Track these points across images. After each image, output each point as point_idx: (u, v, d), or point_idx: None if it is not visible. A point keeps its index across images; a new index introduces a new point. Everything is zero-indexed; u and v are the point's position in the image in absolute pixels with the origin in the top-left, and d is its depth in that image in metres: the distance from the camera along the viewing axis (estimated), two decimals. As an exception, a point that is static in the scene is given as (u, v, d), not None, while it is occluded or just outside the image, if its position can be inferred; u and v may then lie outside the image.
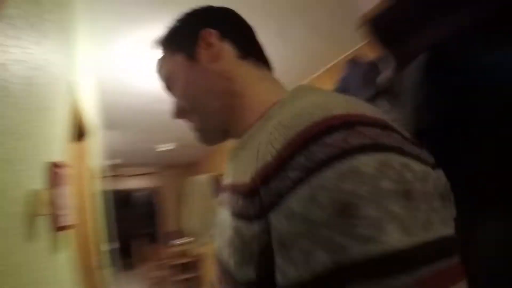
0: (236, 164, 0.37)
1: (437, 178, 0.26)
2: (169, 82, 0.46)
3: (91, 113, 1.92)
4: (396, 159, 0.23)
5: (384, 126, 0.25)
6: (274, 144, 0.27)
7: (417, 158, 0.25)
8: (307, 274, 0.22)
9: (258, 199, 0.27)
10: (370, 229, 0.20)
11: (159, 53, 0.48)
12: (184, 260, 5.00)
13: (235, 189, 0.33)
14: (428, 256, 0.21)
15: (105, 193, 2.11)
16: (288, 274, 0.23)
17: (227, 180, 0.39)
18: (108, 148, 4.26)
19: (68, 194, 1.02)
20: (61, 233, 0.91)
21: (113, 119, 3.15)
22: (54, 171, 0.87)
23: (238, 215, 0.30)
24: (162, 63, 0.47)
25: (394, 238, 0.20)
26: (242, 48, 0.43)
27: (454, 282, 0.21)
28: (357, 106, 0.27)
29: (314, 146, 0.24)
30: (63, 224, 0.91)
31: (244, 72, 0.42)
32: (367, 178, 0.21)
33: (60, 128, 1.02)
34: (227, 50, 0.42)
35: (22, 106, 0.57)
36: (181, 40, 0.44)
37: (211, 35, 0.41)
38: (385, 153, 0.23)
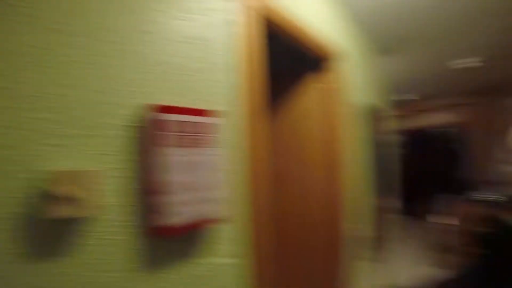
0: None
1: None
2: None
3: (329, 37, 1.45)
4: None
5: None
6: None
7: None
8: None
9: None
10: None
11: None
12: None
13: None
14: None
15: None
16: None
17: None
18: (390, 78, 3.27)
19: (214, 164, 0.59)
20: (179, 235, 0.55)
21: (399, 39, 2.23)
22: (157, 121, 0.50)
23: None
24: None
25: None
26: None
27: None
28: None
29: None
30: (177, 221, 0.51)
31: None
32: None
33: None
34: None
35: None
36: None
37: None
38: None
